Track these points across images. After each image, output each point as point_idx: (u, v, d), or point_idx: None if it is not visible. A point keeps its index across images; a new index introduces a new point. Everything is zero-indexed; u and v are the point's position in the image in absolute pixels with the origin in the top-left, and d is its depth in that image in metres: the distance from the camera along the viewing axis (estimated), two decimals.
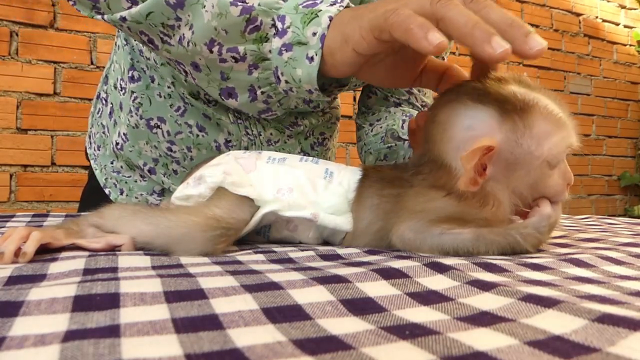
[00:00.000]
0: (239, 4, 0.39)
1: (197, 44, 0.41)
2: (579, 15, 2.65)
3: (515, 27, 0.33)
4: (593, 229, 0.59)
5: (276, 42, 0.40)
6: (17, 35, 1.50)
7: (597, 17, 2.71)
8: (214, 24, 0.40)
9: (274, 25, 0.40)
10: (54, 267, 0.30)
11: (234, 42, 0.40)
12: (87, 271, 0.29)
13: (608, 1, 2.76)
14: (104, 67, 1.61)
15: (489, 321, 0.21)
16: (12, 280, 0.26)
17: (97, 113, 0.69)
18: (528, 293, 0.24)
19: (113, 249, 0.38)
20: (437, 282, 0.27)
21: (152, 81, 0.59)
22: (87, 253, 0.35)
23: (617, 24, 2.79)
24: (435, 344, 0.18)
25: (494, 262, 0.33)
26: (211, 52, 0.41)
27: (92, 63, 1.59)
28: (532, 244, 0.37)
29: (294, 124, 0.64)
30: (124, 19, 0.43)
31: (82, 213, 0.59)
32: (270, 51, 0.40)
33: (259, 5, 0.39)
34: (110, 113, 0.65)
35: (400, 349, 0.18)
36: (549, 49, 2.52)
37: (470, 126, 0.36)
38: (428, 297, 0.25)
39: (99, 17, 0.44)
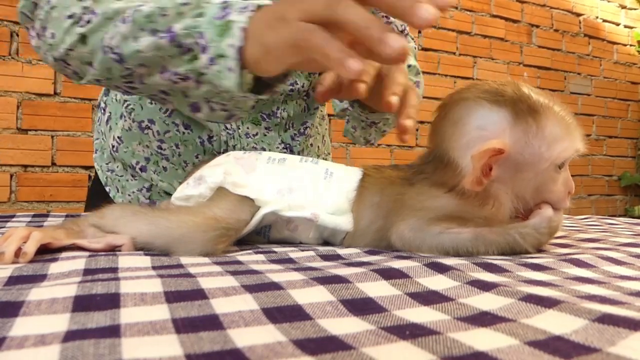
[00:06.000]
0: (163, 35, 0.44)
1: (152, 77, 0.47)
2: (579, 15, 2.65)
3: (373, 29, 0.33)
4: (593, 229, 0.59)
5: (204, 58, 0.42)
6: (17, 35, 1.50)
7: (597, 17, 2.71)
8: (157, 59, 0.45)
9: (197, 42, 0.43)
10: (55, 268, 0.30)
11: (176, 65, 0.45)
12: (87, 271, 0.29)
13: (608, 1, 2.76)
14: None
15: (489, 321, 0.21)
16: (13, 281, 0.26)
17: (97, 121, 0.76)
18: (528, 293, 0.24)
19: (113, 249, 0.38)
20: (437, 283, 0.27)
21: (154, 102, 0.66)
22: (87, 253, 0.35)
23: (618, 24, 2.79)
24: (436, 344, 0.18)
25: (494, 262, 0.33)
26: (163, 79, 0.46)
27: None
28: (531, 244, 0.37)
29: (272, 114, 0.68)
30: (97, 80, 0.50)
31: (85, 213, 0.62)
32: (202, 67, 0.43)
33: (181, 30, 0.43)
34: (107, 120, 0.72)
35: (401, 349, 0.18)
36: (549, 49, 2.52)
37: (481, 126, 0.37)
38: (428, 297, 0.25)
39: (83, 81, 0.52)
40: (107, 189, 0.73)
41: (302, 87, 0.68)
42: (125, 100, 0.68)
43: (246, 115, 0.53)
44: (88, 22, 0.48)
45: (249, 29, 0.40)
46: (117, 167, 0.71)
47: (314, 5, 0.36)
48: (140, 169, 0.69)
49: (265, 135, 0.69)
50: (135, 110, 0.67)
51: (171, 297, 0.23)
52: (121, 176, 0.71)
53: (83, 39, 0.48)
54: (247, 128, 0.67)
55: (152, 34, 0.44)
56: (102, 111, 0.74)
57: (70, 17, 0.49)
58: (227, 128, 0.66)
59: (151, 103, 0.66)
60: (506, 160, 0.36)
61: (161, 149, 0.67)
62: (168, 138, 0.66)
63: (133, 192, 0.70)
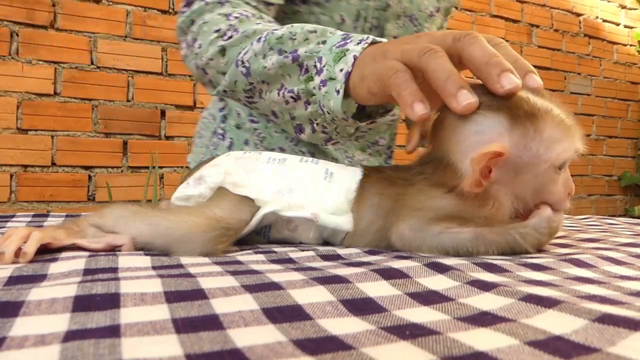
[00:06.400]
0: (287, 55, 0.50)
1: (270, 93, 0.53)
2: (579, 15, 2.65)
3: (491, 66, 0.36)
4: (593, 229, 0.59)
5: (317, 80, 0.47)
6: (17, 35, 1.50)
7: (597, 17, 2.71)
8: (278, 76, 0.51)
9: (315, 65, 0.48)
10: (55, 267, 0.30)
11: (293, 84, 0.50)
12: (87, 271, 0.29)
13: (608, 1, 2.76)
14: (104, 67, 1.62)
15: (489, 321, 0.21)
16: (13, 281, 0.26)
17: (212, 146, 0.82)
18: (528, 293, 0.24)
19: (113, 249, 0.38)
20: (437, 282, 0.27)
21: (268, 122, 0.73)
22: (87, 253, 0.35)
23: (618, 24, 2.79)
24: (436, 344, 0.18)
25: (494, 262, 0.33)
26: (279, 95, 0.52)
27: (92, 63, 1.59)
28: (531, 244, 0.37)
29: (376, 142, 0.78)
30: (225, 91, 0.58)
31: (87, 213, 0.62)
32: (314, 87, 0.47)
33: (304, 52, 0.49)
34: (230, 146, 0.78)
35: (401, 349, 0.18)
36: (549, 49, 2.52)
37: (479, 131, 0.36)
38: (428, 297, 0.25)
39: (214, 92, 0.60)
40: None
41: (399, 117, 0.77)
42: (255, 129, 0.74)
43: (344, 141, 0.60)
44: (230, 37, 0.56)
45: (359, 58, 0.44)
46: None
47: (410, 51, 0.39)
48: None
49: (368, 160, 0.77)
50: (266, 139, 0.74)
51: (171, 297, 0.23)
52: None
53: (223, 50, 0.56)
54: (358, 155, 0.76)
55: (279, 54, 0.51)
56: (221, 137, 0.79)
57: (216, 31, 0.57)
58: (347, 157, 0.74)
59: (276, 132, 0.73)
60: (505, 162, 0.36)
61: None
62: None
63: None
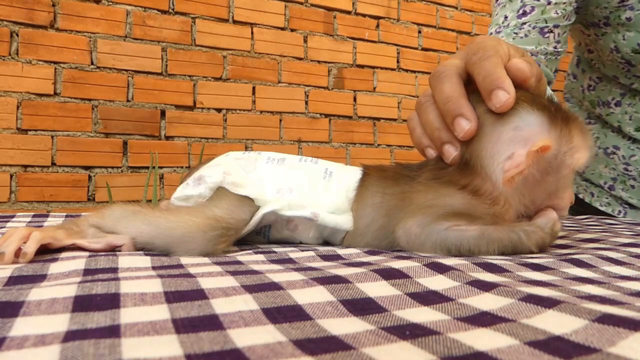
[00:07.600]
0: None
1: None
2: None
3: (484, 84, 0.38)
4: (593, 229, 0.59)
5: None
6: (17, 35, 1.50)
7: None
8: None
9: None
10: (55, 268, 0.30)
11: None
12: (87, 271, 0.29)
13: None
14: (104, 67, 1.62)
15: (489, 321, 0.21)
16: (13, 281, 0.26)
17: None
18: (528, 293, 0.24)
19: (113, 250, 0.38)
20: (437, 283, 0.27)
21: (605, 123, 0.83)
22: (87, 253, 0.35)
23: None
24: (436, 344, 0.18)
25: (494, 262, 0.33)
26: None
27: (92, 63, 1.59)
28: (535, 242, 0.37)
29: None
30: None
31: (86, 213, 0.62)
32: None
33: None
34: None
35: (401, 349, 0.18)
36: None
37: (519, 127, 0.37)
38: (428, 298, 0.25)
39: None
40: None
41: None
42: (590, 130, 0.85)
43: None
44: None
45: None
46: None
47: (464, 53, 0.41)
48: (609, 188, 0.84)
49: None
50: (599, 139, 0.83)
51: (171, 297, 0.23)
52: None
53: None
54: None
55: None
56: None
57: None
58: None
59: (612, 131, 0.81)
60: (539, 162, 0.37)
61: (627, 170, 0.82)
62: (634, 161, 0.79)
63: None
